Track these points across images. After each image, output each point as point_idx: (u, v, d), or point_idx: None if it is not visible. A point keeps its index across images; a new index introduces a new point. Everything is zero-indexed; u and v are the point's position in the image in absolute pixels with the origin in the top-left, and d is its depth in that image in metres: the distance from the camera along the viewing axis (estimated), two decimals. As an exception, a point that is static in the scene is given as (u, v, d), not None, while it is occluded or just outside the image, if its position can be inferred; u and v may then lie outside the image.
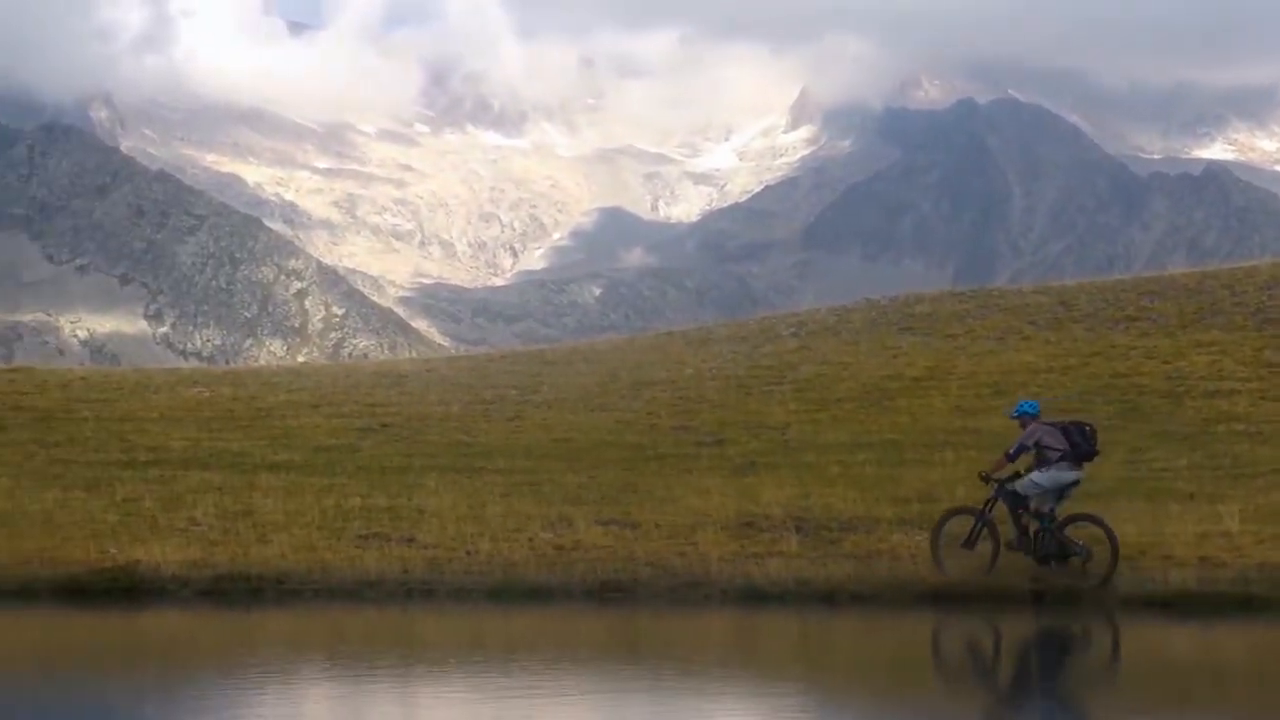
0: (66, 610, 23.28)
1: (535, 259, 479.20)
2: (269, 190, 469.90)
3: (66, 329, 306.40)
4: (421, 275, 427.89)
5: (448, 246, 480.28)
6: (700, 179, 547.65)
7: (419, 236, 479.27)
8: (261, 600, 23.61)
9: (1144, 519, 25.29)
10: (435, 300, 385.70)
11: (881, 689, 17.47)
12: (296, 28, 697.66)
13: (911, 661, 20.04)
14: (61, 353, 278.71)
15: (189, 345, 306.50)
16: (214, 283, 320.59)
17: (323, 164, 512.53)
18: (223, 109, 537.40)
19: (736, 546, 24.98)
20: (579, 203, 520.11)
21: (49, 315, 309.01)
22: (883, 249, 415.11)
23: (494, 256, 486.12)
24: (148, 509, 28.27)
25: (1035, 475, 23.42)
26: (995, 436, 32.74)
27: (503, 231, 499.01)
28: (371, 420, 39.70)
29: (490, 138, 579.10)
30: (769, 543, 25.31)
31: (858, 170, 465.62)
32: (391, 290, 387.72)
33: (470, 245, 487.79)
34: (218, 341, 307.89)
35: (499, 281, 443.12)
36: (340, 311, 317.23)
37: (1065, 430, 23.62)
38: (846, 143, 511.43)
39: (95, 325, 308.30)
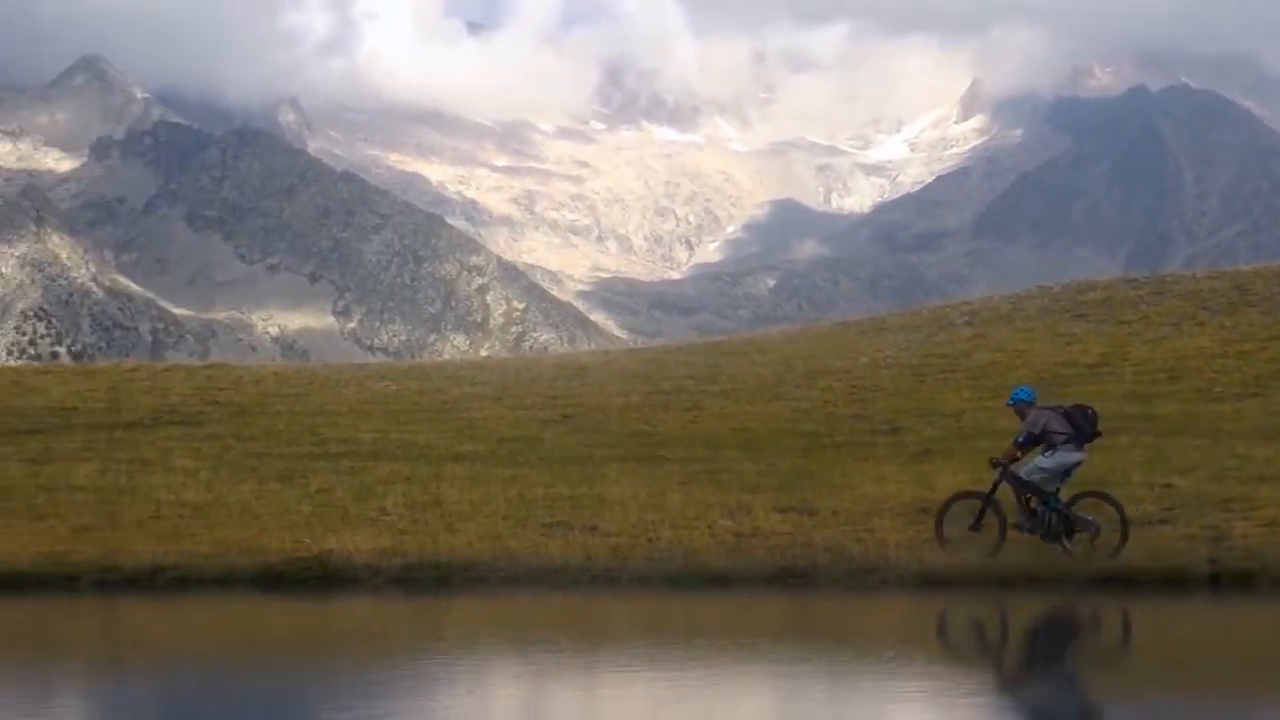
0: (265, 598, 23.80)
1: (710, 252, 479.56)
2: (450, 188, 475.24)
3: (259, 326, 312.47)
4: (599, 269, 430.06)
5: (624, 241, 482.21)
6: (872, 170, 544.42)
7: (596, 231, 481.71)
8: (450, 588, 23.89)
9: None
10: (613, 294, 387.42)
11: (1070, 671, 17.50)
12: (474, 28, 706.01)
13: (1103, 644, 19.98)
14: (254, 349, 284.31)
15: (375, 340, 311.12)
16: (399, 279, 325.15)
17: (502, 162, 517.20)
18: (405, 109, 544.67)
19: (913, 532, 24.99)
20: (752, 196, 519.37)
21: (242, 313, 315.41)
22: (1054, 237, 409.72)
23: (669, 250, 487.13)
24: (339, 499, 28.87)
25: (1040, 461, 23.89)
26: (1171, 422, 32.61)
27: (678, 225, 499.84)
28: (553, 411, 40.16)
29: (665, 133, 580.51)
30: (946, 528, 25.39)
31: (1029, 159, 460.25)
32: (570, 285, 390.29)
33: (646, 239, 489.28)
34: (403, 337, 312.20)
35: (675, 275, 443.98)
36: (521, 306, 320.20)
37: (1068, 414, 24.13)
38: (1017, 132, 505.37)
39: (286, 322, 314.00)
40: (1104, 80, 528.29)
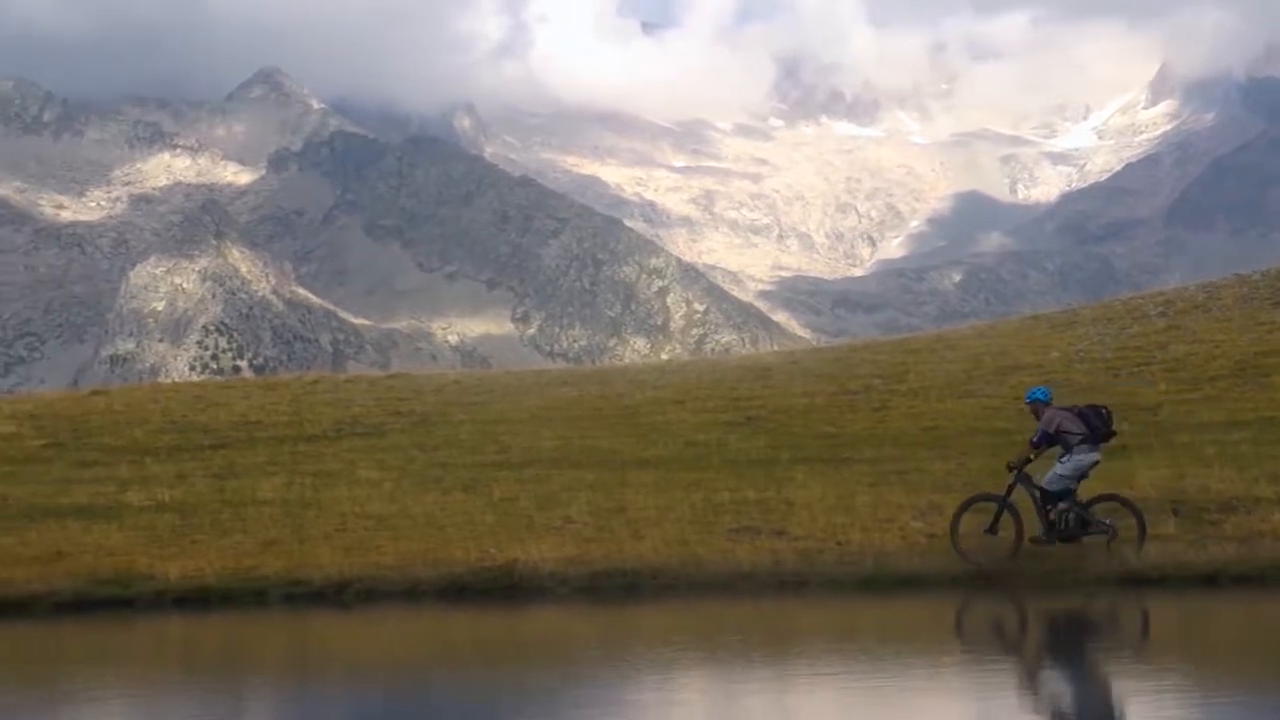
0: (452, 610, 23.63)
1: (893, 248, 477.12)
2: (628, 190, 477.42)
3: (438, 334, 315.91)
4: (780, 268, 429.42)
5: (805, 239, 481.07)
6: (1059, 159, 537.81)
7: (776, 230, 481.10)
8: (637, 596, 23.64)
9: None
10: (795, 293, 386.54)
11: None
12: (649, 27, 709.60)
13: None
14: (434, 357, 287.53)
15: (555, 346, 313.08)
16: (578, 284, 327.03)
17: (679, 162, 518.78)
18: (580, 112, 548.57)
19: (1111, 529, 24.39)
20: (935, 189, 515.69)
21: (421, 322, 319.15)
22: (1250, 223, 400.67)
23: (852, 247, 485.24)
24: (524, 508, 28.82)
25: (1059, 468, 23.65)
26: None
27: (860, 221, 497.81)
28: (738, 414, 39.91)
29: (844, 128, 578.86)
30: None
31: (1222, 143, 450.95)
32: (751, 284, 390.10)
33: (828, 236, 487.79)
34: (583, 342, 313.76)
35: (858, 272, 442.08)
36: (701, 307, 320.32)
37: (1082, 414, 23.87)
38: (1209, 115, 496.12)
39: (465, 329, 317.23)
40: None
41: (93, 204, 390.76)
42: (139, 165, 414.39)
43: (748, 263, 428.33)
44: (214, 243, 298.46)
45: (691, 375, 50.35)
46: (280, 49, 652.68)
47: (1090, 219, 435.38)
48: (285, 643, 22.28)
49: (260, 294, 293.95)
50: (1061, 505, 23.54)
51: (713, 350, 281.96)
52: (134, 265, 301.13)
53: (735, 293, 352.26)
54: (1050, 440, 23.73)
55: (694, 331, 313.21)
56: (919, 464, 31.34)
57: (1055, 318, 53.72)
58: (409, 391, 47.32)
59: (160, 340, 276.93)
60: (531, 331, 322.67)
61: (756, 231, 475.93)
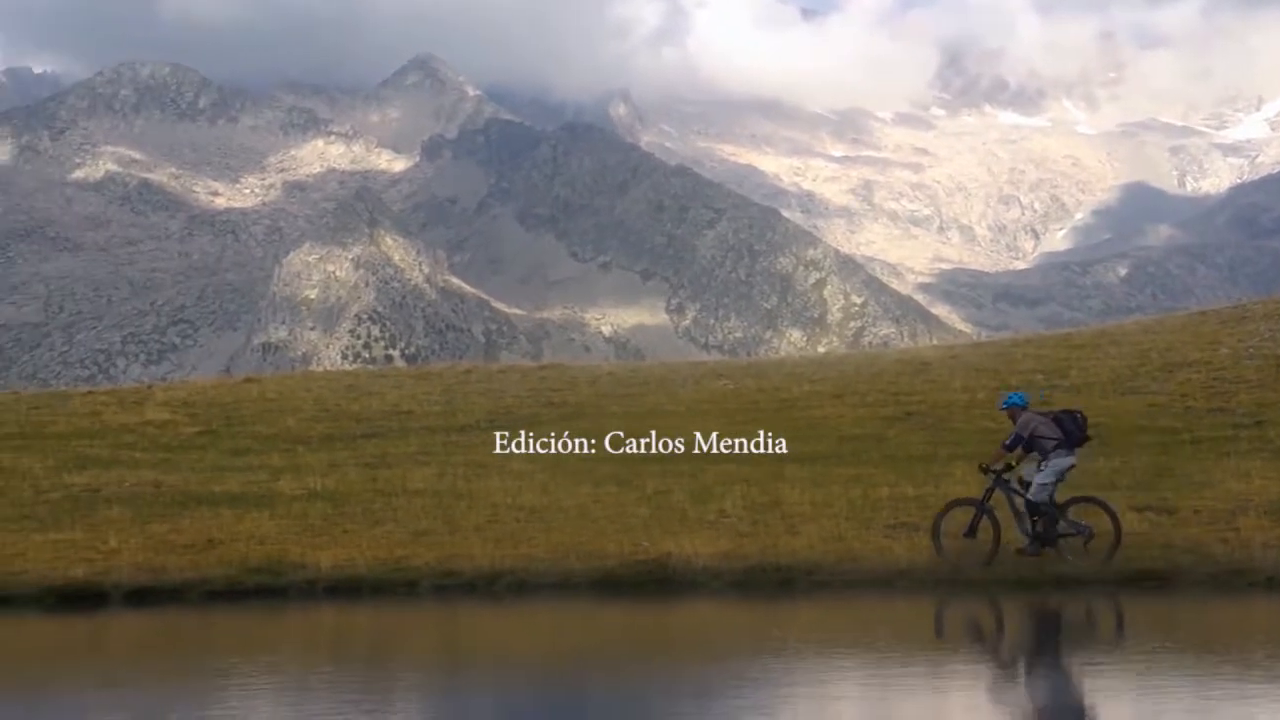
0: (604, 603, 23.53)
1: (1057, 240, 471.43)
2: (786, 180, 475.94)
3: (592, 325, 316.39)
4: (940, 260, 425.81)
5: (966, 231, 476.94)
6: (1230, 150, 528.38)
7: (937, 221, 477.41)
8: (791, 591, 23.42)
9: None
10: (955, 286, 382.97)
11: None
12: (808, 14, 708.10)
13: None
14: (587, 348, 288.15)
15: (710, 338, 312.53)
16: (733, 275, 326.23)
17: (838, 151, 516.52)
18: (738, 100, 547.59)
19: (1283, 532, 23.79)
20: (1101, 180, 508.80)
21: (575, 312, 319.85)
22: None
23: (1014, 239, 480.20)
24: (677, 502, 28.70)
25: (1040, 478, 23.72)
26: None
27: (1023, 213, 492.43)
28: (896, 409, 39.49)
29: (1008, 117, 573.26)
30: (1319, 528, 24.02)
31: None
32: (910, 277, 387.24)
33: (990, 228, 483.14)
34: (739, 334, 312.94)
35: (1020, 265, 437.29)
36: (859, 300, 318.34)
37: (1057, 419, 24.24)
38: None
39: (619, 320, 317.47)
40: None
41: (247, 191, 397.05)
42: (293, 152, 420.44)
43: (907, 255, 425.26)
44: (367, 230, 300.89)
45: (849, 369, 49.92)
46: (435, 35, 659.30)
47: (1263, 212, 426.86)
48: (437, 634, 22.28)
49: (413, 283, 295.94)
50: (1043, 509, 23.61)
51: (870, 343, 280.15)
52: (287, 252, 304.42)
53: (894, 285, 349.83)
54: (1023, 444, 23.83)
55: (851, 324, 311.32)
56: (1081, 461, 30.66)
57: (1225, 313, 52.56)
58: (562, 382, 47.33)
59: (313, 328, 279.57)
60: (686, 323, 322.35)
61: (916, 223, 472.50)
